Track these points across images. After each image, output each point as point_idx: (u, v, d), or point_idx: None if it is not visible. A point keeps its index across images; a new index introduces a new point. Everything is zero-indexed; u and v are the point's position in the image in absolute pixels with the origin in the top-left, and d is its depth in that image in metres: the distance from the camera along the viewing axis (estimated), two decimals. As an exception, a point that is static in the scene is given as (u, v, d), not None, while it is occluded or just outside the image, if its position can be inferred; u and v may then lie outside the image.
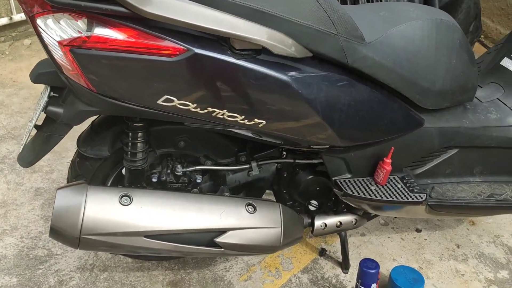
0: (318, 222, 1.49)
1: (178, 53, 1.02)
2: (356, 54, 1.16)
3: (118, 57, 1.00)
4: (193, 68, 1.03)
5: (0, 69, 2.79)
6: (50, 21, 1.00)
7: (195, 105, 1.09)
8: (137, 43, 1.01)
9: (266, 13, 1.03)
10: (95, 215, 1.13)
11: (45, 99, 1.17)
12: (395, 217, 1.95)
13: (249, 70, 1.07)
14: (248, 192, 1.49)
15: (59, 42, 1.00)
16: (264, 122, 1.15)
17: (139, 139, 1.25)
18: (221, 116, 1.12)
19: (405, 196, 1.37)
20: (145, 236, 1.17)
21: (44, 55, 1.09)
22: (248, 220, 1.26)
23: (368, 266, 1.45)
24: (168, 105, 1.08)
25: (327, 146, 1.31)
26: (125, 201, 1.17)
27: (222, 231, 1.23)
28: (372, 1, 2.50)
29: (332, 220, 1.51)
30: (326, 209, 1.56)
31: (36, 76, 1.17)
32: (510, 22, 3.52)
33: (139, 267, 1.64)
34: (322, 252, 1.75)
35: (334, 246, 1.79)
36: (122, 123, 1.26)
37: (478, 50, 2.82)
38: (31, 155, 1.26)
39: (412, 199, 1.36)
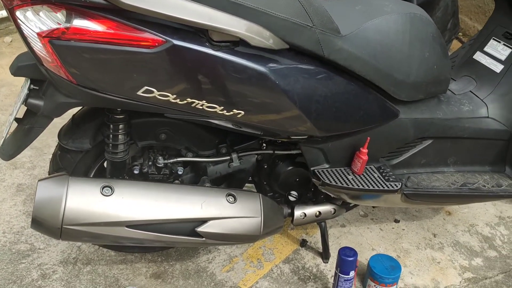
0: (298, 212, 1.53)
1: (157, 44, 1.04)
2: (332, 47, 1.20)
3: (97, 48, 1.02)
4: (172, 60, 1.06)
5: (-20, 66, 2.76)
6: (29, 13, 1.01)
7: (175, 96, 1.11)
8: (116, 35, 1.02)
9: (243, 6, 1.06)
10: (76, 206, 1.14)
11: (25, 91, 1.17)
12: (374, 208, 2.00)
13: (227, 62, 1.09)
14: (229, 183, 1.52)
15: (38, 34, 1.01)
16: (242, 112, 1.17)
17: (120, 131, 1.27)
18: (201, 107, 1.14)
19: (380, 185, 1.41)
20: (127, 226, 1.19)
21: (25, 50, 1.10)
22: (229, 210, 1.29)
23: (346, 254, 1.49)
24: (148, 96, 1.10)
25: (306, 137, 1.35)
26: (107, 191, 1.18)
27: (203, 221, 1.26)
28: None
29: (311, 210, 1.54)
30: (306, 200, 1.60)
31: (16, 69, 1.18)
32: (487, 19, 3.62)
33: (122, 259, 1.65)
34: (303, 243, 1.79)
35: (314, 237, 1.83)
36: (104, 116, 1.27)
37: (456, 47, 2.88)
38: (12, 148, 1.26)
39: (388, 187, 1.41)
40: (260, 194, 1.37)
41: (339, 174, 1.42)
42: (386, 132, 1.44)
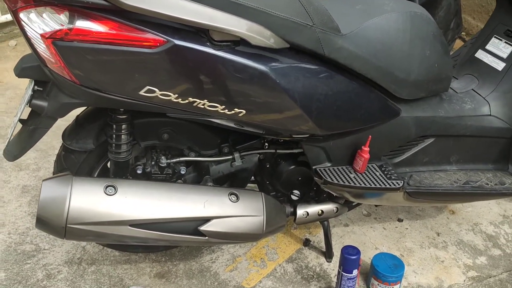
0: (300, 211, 1.53)
1: (158, 44, 1.05)
2: (332, 45, 1.21)
3: (100, 49, 1.04)
4: (173, 59, 1.07)
5: (-14, 69, 2.79)
6: (32, 15, 1.02)
7: (176, 95, 1.12)
8: (118, 35, 1.04)
9: (244, 5, 1.07)
10: (80, 205, 1.16)
11: (29, 93, 1.19)
12: (377, 207, 2.00)
13: (228, 61, 1.10)
14: (232, 183, 1.52)
15: (42, 35, 1.03)
16: (244, 111, 1.18)
17: (123, 131, 1.28)
18: (202, 106, 1.15)
19: (382, 183, 1.41)
20: (130, 225, 1.20)
21: (29, 52, 1.12)
22: (231, 209, 1.30)
23: (349, 253, 1.49)
24: (150, 95, 1.11)
25: (307, 136, 1.35)
26: (110, 191, 1.19)
27: (206, 220, 1.26)
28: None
29: (314, 209, 1.55)
30: (308, 199, 1.60)
31: (20, 70, 1.20)
32: (490, 18, 3.61)
33: (127, 259, 1.66)
34: (306, 243, 1.79)
35: (318, 236, 1.83)
36: (107, 116, 1.29)
37: (459, 46, 2.88)
38: (17, 148, 1.28)
39: (390, 185, 1.41)
40: (263, 193, 1.37)
41: (341, 173, 1.42)
42: (388, 131, 1.44)
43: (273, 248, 1.77)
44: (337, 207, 1.57)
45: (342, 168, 1.44)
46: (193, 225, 1.26)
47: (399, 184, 1.41)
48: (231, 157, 1.45)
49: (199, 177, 1.49)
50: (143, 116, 1.32)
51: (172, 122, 1.35)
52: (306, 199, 1.60)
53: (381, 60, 1.30)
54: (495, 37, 1.68)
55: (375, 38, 1.30)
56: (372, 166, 1.47)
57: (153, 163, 1.41)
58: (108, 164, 1.43)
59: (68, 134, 1.36)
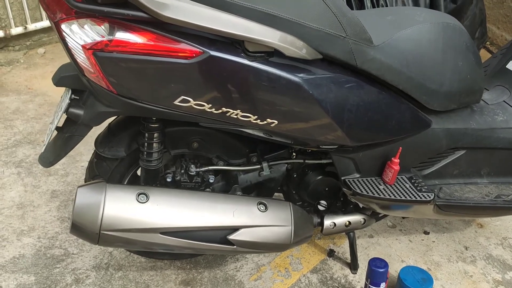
0: (328, 222, 1.53)
1: (194, 55, 1.07)
2: (364, 56, 1.20)
3: (138, 59, 1.06)
4: (209, 70, 1.08)
5: (16, 77, 2.87)
6: (74, 26, 1.05)
7: (210, 105, 1.13)
8: (156, 46, 1.06)
9: (278, 17, 1.08)
10: (113, 212, 1.18)
11: (67, 101, 1.22)
12: (403, 219, 1.97)
13: (262, 72, 1.11)
14: (259, 192, 1.53)
15: (83, 46, 1.05)
16: (276, 122, 1.19)
17: (155, 139, 1.30)
18: (235, 116, 1.16)
19: (413, 195, 1.40)
20: (161, 233, 1.22)
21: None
22: (260, 218, 1.30)
23: (377, 265, 1.47)
24: (184, 105, 1.13)
25: (336, 146, 1.35)
26: (142, 199, 1.21)
27: (235, 229, 1.27)
28: (378, 6, 2.55)
29: (341, 220, 1.54)
30: (335, 209, 1.59)
31: (59, 79, 1.23)
32: (516, 28, 3.55)
33: (152, 266, 1.68)
34: (331, 253, 1.78)
35: (342, 247, 1.82)
36: (139, 124, 1.31)
37: (484, 56, 2.85)
38: (52, 155, 1.31)
39: (420, 198, 1.39)
40: (291, 203, 1.37)
41: (370, 184, 1.41)
42: (418, 142, 1.43)
43: (297, 258, 1.77)
44: (364, 219, 1.56)
45: (371, 179, 1.43)
46: (222, 234, 1.26)
47: (429, 197, 1.40)
48: (259, 166, 1.46)
49: (227, 186, 1.50)
50: (174, 125, 1.34)
51: (202, 131, 1.36)
52: (333, 210, 1.59)
53: (412, 71, 1.30)
54: (527, 48, 1.66)
55: (407, 49, 1.29)
56: (401, 177, 1.45)
57: (182, 171, 1.43)
58: (138, 172, 1.45)
59: (100, 142, 1.39)
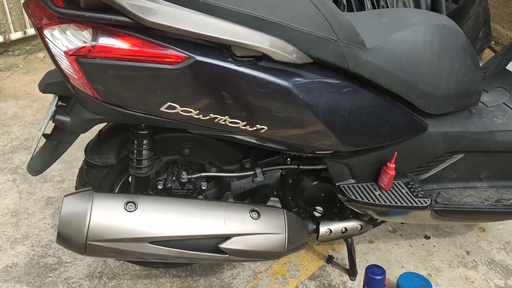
0: (323, 228, 1.49)
1: (180, 60, 1.04)
2: (356, 60, 1.17)
3: (122, 65, 1.03)
4: (195, 75, 1.06)
5: (15, 81, 2.87)
6: (56, 32, 1.03)
7: (197, 111, 1.11)
8: (140, 52, 1.03)
9: (266, 20, 1.05)
10: (100, 222, 1.15)
11: (53, 108, 1.20)
12: (403, 224, 1.94)
13: (250, 77, 1.09)
14: (253, 198, 1.50)
15: (65, 52, 1.03)
16: (266, 128, 1.16)
17: (144, 146, 1.28)
18: (223, 123, 1.14)
19: (409, 201, 1.36)
20: (150, 242, 1.19)
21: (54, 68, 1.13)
22: (252, 226, 1.27)
23: (374, 272, 1.44)
24: (171, 112, 1.10)
25: (331, 152, 1.32)
26: (130, 207, 1.18)
27: (227, 237, 1.24)
28: (378, 7, 2.51)
29: (337, 226, 1.50)
30: (331, 215, 1.56)
31: (45, 86, 1.21)
32: (520, 27, 3.50)
33: (147, 274, 1.65)
34: (329, 259, 1.75)
35: (341, 253, 1.78)
36: (128, 131, 1.29)
37: (489, 56, 2.80)
38: (40, 163, 1.29)
39: (417, 204, 1.36)
40: (285, 210, 1.34)
41: (366, 190, 1.38)
42: (414, 147, 1.39)
43: (295, 264, 1.73)
44: (361, 225, 1.52)
45: (366, 185, 1.40)
46: (213, 243, 1.24)
47: (426, 203, 1.36)
48: (252, 172, 1.43)
49: (220, 192, 1.47)
50: (164, 131, 1.32)
51: (193, 137, 1.34)
52: (329, 216, 1.56)
53: (407, 74, 1.26)
54: (527, 48, 1.62)
55: (401, 51, 1.26)
56: (397, 183, 1.42)
57: (174, 178, 1.40)
58: (130, 179, 1.42)
59: (90, 149, 1.36)
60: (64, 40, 1.03)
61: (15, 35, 3.04)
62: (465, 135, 1.45)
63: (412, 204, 1.35)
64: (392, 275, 1.68)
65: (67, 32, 1.03)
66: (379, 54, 1.22)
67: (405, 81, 1.26)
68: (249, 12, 1.04)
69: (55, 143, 1.26)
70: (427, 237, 1.89)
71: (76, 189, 1.45)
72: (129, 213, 1.18)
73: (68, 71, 1.07)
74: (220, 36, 1.02)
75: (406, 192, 1.39)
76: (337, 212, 1.56)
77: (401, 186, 1.41)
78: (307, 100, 1.14)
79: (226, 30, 1.02)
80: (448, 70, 1.34)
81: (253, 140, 1.26)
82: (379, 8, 2.49)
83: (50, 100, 2.66)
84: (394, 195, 1.38)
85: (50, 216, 1.88)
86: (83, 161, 1.43)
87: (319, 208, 1.52)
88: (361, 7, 2.55)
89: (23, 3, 1.07)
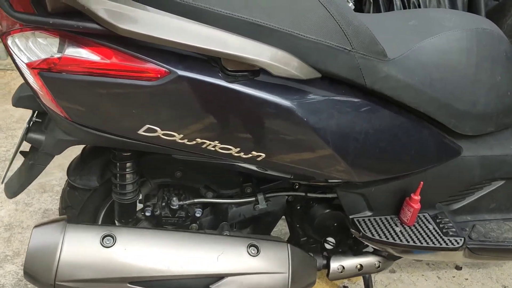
0: (335, 265, 1.30)
1: (159, 76, 0.87)
2: (375, 74, 0.98)
3: (92, 81, 0.87)
4: (177, 94, 0.88)
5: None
6: (18, 41, 0.88)
7: (182, 135, 0.93)
8: (113, 65, 0.87)
9: (264, 27, 0.87)
10: (72, 258, 1.00)
11: (25, 125, 1.06)
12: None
13: (245, 95, 0.91)
14: (255, 227, 1.32)
15: (27, 65, 0.88)
16: (263, 155, 0.98)
17: (127, 169, 1.12)
18: (213, 149, 0.96)
19: (437, 240, 1.15)
20: (130, 283, 1.03)
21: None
22: (250, 264, 1.09)
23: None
24: (151, 135, 0.93)
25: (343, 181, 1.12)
26: (108, 242, 1.03)
27: (219, 277, 1.07)
28: (409, 5, 2.28)
29: (351, 262, 1.30)
30: (345, 248, 1.36)
31: (17, 100, 1.07)
32: None
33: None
34: (344, 292, 1.56)
35: (358, 284, 1.59)
36: (110, 152, 1.13)
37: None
38: (16, 184, 1.16)
39: (447, 244, 1.14)
40: (289, 244, 1.16)
41: (384, 225, 1.18)
42: (445, 174, 1.18)
43: (305, 296, 1.55)
44: (379, 261, 1.32)
45: (385, 218, 1.20)
46: (202, 283, 1.07)
47: (458, 243, 1.15)
48: (254, 199, 1.25)
49: (217, 220, 1.30)
50: (150, 152, 1.15)
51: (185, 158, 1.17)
52: (342, 248, 1.36)
53: (438, 90, 1.06)
54: None
55: (431, 62, 1.05)
56: (424, 216, 1.21)
57: (163, 204, 1.24)
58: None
59: (72, 169, 1.22)
60: (27, 50, 0.88)
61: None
62: (507, 159, 1.23)
63: (441, 244, 1.14)
64: (415, 314, 1.48)
65: (30, 41, 0.88)
66: (403, 66, 1.01)
67: (435, 98, 1.06)
68: (243, 17, 0.86)
69: (30, 163, 1.12)
70: (458, 268, 1.67)
71: (59, 212, 1.31)
72: (106, 249, 1.02)
73: (34, 86, 0.92)
74: (208, 47, 0.84)
75: (434, 228, 1.18)
76: (352, 244, 1.36)
77: (427, 220, 1.20)
78: (313, 122, 0.95)
79: (216, 39, 0.84)
80: (488, 84, 1.13)
81: (253, 168, 1.08)
82: (409, 7, 2.26)
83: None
84: (419, 232, 1.17)
85: (44, 231, 1.76)
86: (65, 181, 1.28)
87: (330, 239, 1.33)
88: (390, 6, 2.32)
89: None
